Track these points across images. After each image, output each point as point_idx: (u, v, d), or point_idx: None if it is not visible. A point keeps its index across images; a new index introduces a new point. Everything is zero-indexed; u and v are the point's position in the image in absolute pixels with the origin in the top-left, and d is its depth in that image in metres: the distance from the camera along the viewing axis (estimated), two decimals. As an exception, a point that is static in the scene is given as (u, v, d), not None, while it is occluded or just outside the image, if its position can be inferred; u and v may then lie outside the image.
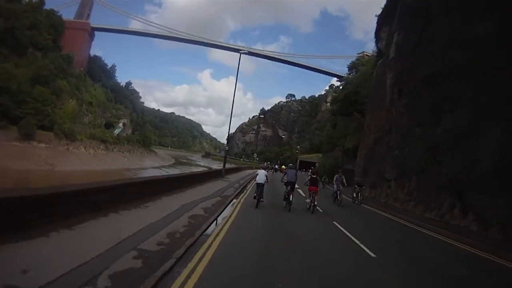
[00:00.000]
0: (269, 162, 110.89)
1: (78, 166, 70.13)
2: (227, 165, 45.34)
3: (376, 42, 48.14)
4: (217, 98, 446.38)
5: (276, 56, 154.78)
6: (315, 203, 22.00)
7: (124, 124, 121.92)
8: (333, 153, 75.47)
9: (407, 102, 30.22)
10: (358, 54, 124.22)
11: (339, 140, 70.81)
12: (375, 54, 64.03)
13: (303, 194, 26.87)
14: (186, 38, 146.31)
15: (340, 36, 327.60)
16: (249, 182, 42.06)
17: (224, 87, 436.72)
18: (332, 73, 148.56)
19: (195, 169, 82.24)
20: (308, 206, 22.33)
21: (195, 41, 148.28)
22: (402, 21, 35.09)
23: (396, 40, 35.71)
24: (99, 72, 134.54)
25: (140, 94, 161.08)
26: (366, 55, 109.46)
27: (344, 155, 65.86)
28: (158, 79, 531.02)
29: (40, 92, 77.97)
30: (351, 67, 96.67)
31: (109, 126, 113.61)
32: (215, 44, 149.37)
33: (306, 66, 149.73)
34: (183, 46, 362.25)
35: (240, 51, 41.40)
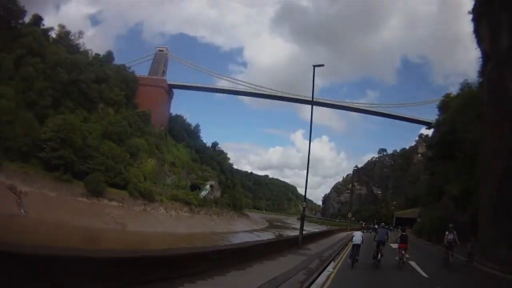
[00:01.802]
0: (368, 223, 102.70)
1: (154, 228, 64.85)
2: (317, 228, 36.27)
3: (478, 44, 35.78)
4: (311, 159, 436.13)
5: (363, 108, 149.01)
6: (404, 259, 23.08)
7: (211, 186, 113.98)
8: (436, 204, 62.48)
9: None
10: (442, 97, 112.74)
11: (442, 188, 58.88)
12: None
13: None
14: (273, 94, 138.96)
15: (422, 84, 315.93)
16: (339, 252, 31.36)
17: (318, 147, 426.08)
18: (420, 120, 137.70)
19: (290, 233, 73.10)
20: (397, 263, 23.00)
21: (283, 97, 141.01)
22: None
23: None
24: (181, 131, 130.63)
25: (234, 157, 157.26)
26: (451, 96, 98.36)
27: (453, 204, 52.14)
28: (250, 142, 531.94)
29: (110, 148, 74.14)
30: (442, 106, 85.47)
31: (195, 187, 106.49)
32: (303, 99, 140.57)
33: (393, 115, 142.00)
34: (273, 106, 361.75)
35: (314, 65, 30.15)
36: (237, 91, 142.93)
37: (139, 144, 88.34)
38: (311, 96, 29.89)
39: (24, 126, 63.06)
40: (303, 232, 52.99)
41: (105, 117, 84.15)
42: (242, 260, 16.97)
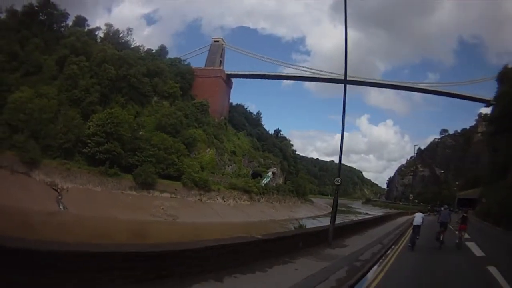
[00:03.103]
0: (434, 205, 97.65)
1: (209, 218, 63.92)
2: (381, 211, 32.52)
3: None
4: (377, 144, 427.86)
5: (422, 87, 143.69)
6: (462, 239, 23.73)
7: (273, 173, 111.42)
8: (501, 182, 57.10)
9: None
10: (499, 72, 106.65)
11: (508, 164, 55.57)
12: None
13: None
14: (334, 78, 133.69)
15: (478, 64, 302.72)
16: (389, 249, 23.46)
17: (382, 132, 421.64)
18: (478, 98, 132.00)
19: (354, 218, 71.32)
20: (457, 243, 23.36)
21: (342, 80, 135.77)
22: None
23: None
24: (242, 120, 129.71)
25: (301, 145, 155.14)
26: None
27: None
28: (316, 129, 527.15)
29: (162, 139, 73.99)
30: (501, 78, 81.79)
31: (257, 175, 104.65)
32: (364, 82, 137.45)
33: (452, 93, 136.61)
34: (338, 93, 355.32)
35: None
36: (298, 76, 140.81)
37: (196, 135, 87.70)
38: (345, 50, 24.18)
39: (66, 123, 64.80)
40: (351, 220, 47.21)
41: (159, 110, 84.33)
42: (198, 272, 10.70)
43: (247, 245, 14.17)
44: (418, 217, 23.63)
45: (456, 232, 25.10)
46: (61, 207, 52.59)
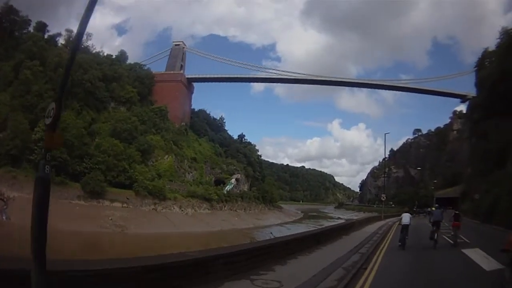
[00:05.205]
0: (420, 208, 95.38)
1: (163, 229, 61.52)
2: (355, 215, 28.21)
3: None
4: (349, 148, 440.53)
5: (395, 84, 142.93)
6: (459, 236, 24.72)
7: (237, 179, 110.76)
8: (497, 173, 52.97)
9: None
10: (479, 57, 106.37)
11: (505, 150, 52.41)
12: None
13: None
14: (304, 78, 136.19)
15: (452, 64, 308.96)
16: None
17: (355, 135, 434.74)
18: (453, 94, 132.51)
19: (326, 223, 75.28)
20: (452, 241, 24.36)
21: (316, 80, 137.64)
22: None
23: None
24: (204, 125, 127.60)
25: (272, 152, 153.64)
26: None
27: None
28: (288, 135, 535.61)
29: (112, 145, 71.94)
30: (480, 64, 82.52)
31: (220, 182, 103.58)
32: (338, 81, 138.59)
33: (426, 90, 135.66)
34: (308, 98, 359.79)
35: None
36: (266, 78, 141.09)
37: (154, 141, 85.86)
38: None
39: (13, 129, 63.36)
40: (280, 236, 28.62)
41: (115, 116, 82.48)
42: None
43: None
44: (406, 217, 24.98)
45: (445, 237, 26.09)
46: (4, 217, 50.52)
